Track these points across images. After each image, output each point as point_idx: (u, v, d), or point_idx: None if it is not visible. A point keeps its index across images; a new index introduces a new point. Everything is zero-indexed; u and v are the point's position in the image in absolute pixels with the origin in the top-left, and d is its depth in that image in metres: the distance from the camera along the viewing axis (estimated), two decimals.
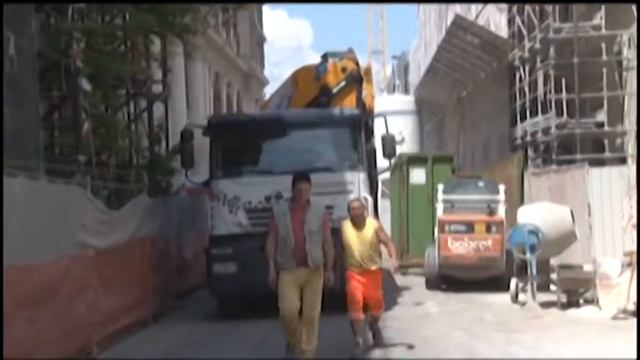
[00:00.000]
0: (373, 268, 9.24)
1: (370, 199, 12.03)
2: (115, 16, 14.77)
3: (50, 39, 12.03)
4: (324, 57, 14.14)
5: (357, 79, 13.65)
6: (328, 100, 13.52)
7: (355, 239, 9.17)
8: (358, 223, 9.23)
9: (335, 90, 13.62)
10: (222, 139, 12.56)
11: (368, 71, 14.94)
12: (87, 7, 13.27)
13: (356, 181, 12.01)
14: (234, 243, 11.94)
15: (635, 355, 8.34)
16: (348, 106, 13.21)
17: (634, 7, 18.99)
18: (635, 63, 19.63)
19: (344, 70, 13.73)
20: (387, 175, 18.19)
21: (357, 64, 14.03)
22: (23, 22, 9.53)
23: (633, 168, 14.20)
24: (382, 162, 13.61)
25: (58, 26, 12.59)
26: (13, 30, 9.10)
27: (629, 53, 20.33)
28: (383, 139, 12.84)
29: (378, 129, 14.09)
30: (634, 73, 19.59)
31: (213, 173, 12.47)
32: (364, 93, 13.91)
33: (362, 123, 12.55)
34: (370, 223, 9.34)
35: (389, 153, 12.79)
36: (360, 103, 13.46)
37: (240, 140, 12.79)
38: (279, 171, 11.71)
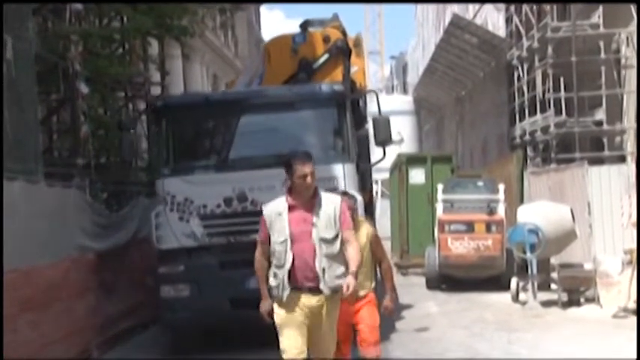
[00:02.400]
0: (362, 293, 6.43)
1: (359, 198, 9.13)
2: (112, 18, 14.79)
3: (48, 42, 12.04)
4: (304, 26, 11.61)
5: (343, 50, 11.09)
6: (308, 77, 11.02)
7: None
8: None
9: (316, 64, 11.11)
10: (168, 126, 10.06)
11: (358, 42, 12.32)
12: (84, 9, 13.27)
13: (340, 175, 9.47)
14: (186, 259, 9.58)
15: (635, 355, 8.32)
16: (331, 81, 10.71)
17: (632, 7, 18.99)
18: (633, 61, 19.63)
19: (327, 40, 11.14)
20: (382, 171, 17.99)
21: (343, 33, 11.59)
22: (21, 25, 9.52)
23: (633, 166, 14.20)
24: (377, 152, 10.83)
25: (55, 29, 12.61)
26: (11, 33, 9.10)
27: (627, 51, 20.32)
28: (374, 122, 10.22)
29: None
30: (632, 71, 19.58)
31: (159, 170, 10.08)
32: (354, 69, 11.44)
33: (347, 102, 10.02)
34: (363, 229, 6.62)
35: (383, 139, 10.08)
36: (348, 79, 10.87)
37: (191, 127, 10.47)
38: (241, 166, 9.58)
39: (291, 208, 5.67)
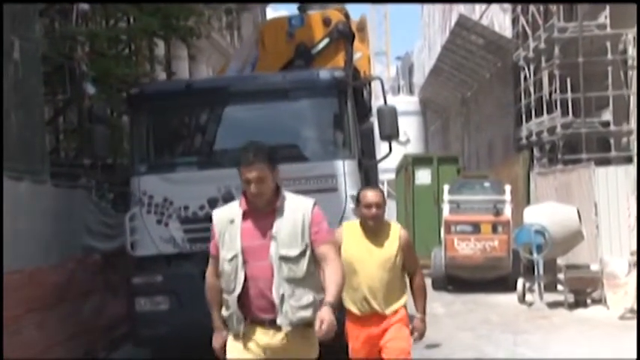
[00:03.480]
0: (392, 309, 5.22)
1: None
2: (119, 19, 14.82)
3: (55, 43, 12.08)
4: (302, 8, 10.54)
5: (345, 34, 9.91)
6: (306, 63, 9.87)
7: (366, 258, 5.13)
8: (374, 231, 5.19)
9: (315, 50, 9.97)
10: (146, 117, 8.90)
11: (362, 26, 11.03)
12: (91, 10, 13.31)
13: (340, 173, 8.29)
14: (164, 268, 8.46)
15: (635, 355, 8.29)
16: (330, 67, 9.51)
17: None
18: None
19: (327, 22, 9.97)
20: (388, 171, 17.89)
21: (346, 16, 10.37)
22: (27, 26, 9.55)
23: None
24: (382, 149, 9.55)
25: (62, 30, 12.63)
26: (18, 34, 9.12)
27: (634, 52, 20.28)
28: (379, 112, 8.80)
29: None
30: None
31: (135, 167, 8.84)
32: (357, 55, 10.29)
33: (349, 91, 8.79)
34: (394, 233, 5.25)
35: (389, 132, 8.72)
36: (350, 66, 9.74)
37: (171, 118, 9.34)
38: (228, 162, 7.91)
39: (245, 215, 4.30)
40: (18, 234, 7.93)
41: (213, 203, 8.05)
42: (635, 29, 19.96)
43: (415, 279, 5.31)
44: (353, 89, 8.93)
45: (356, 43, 10.31)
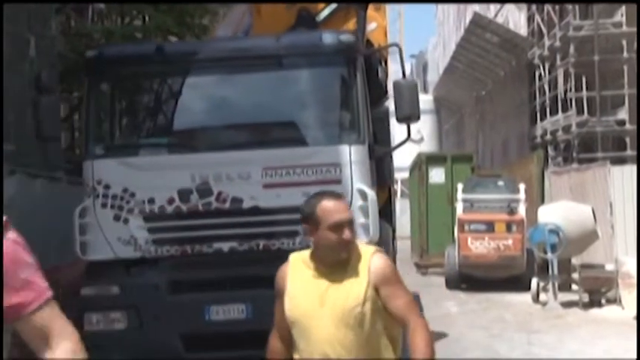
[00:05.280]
0: None
1: (372, 194, 6.70)
2: (134, 17, 14.89)
3: (70, 40, 12.13)
4: None
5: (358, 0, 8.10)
6: None
7: (316, 310, 3.08)
8: (333, 265, 3.12)
9: (320, 17, 8.15)
10: (105, 86, 7.32)
11: None
12: (106, 8, 13.37)
13: (345, 162, 6.67)
14: (122, 276, 6.76)
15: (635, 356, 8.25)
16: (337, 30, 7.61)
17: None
18: None
19: None
20: (402, 170, 17.76)
21: None
22: (44, 24, 9.61)
23: None
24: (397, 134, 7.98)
25: (78, 28, 12.70)
26: (34, 32, 9.18)
27: None
28: (396, 88, 6.98)
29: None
30: None
31: (88, 148, 7.08)
32: (371, 26, 8.48)
33: (360, 60, 7.01)
34: (363, 264, 3.10)
35: (408, 112, 6.92)
36: (362, 33, 7.86)
37: (136, 90, 7.77)
38: (205, 145, 6.96)
39: None
40: (33, 231, 7.96)
41: (186, 196, 6.64)
42: None
43: (411, 324, 3.04)
44: (365, 62, 7.25)
45: (370, 11, 8.41)
